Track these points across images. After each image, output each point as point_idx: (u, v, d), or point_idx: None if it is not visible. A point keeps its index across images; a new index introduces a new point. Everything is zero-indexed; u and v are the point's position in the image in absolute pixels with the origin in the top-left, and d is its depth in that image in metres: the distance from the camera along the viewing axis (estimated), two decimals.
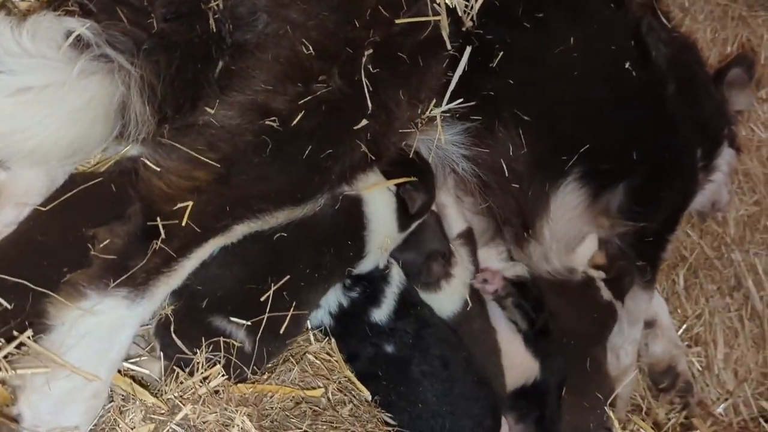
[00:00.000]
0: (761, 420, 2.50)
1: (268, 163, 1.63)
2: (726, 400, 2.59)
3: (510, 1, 2.05)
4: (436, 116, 1.91)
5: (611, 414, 2.03)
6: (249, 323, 1.65)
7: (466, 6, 1.90)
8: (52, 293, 1.49)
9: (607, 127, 2.21)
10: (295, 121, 1.64)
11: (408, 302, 1.94)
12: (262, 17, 1.76)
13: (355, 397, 1.85)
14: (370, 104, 1.70)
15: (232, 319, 1.64)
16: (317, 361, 1.87)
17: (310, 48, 1.70)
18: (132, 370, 1.61)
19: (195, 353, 1.62)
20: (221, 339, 1.63)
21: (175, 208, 1.55)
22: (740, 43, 3.35)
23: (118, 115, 1.69)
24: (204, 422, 1.53)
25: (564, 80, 2.14)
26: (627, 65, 2.21)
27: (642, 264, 2.43)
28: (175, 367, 1.62)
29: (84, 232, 1.60)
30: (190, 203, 1.56)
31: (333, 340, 1.93)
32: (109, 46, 1.67)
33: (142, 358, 1.66)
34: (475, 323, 2.06)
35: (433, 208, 2.10)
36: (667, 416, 2.43)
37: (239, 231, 1.65)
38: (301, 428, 1.65)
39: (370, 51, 1.72)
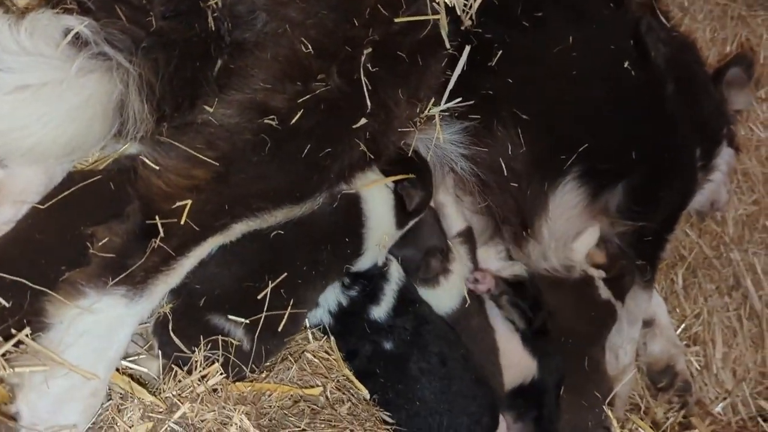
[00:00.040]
0: (759, 419, 2.50)
1: (266, 162, 1.63)
2: (724, 399, 2.60)
3: (509, 0, 2.05)
4: (434, 115, 1.91)
5: (610, 413, 2.03)
6: (247, 321, 1.65)
7: (465, 5, 1.90)
8: (50, 291, 1.49)
9: (606, 127, 2.21)
10: (294, 120, 1.64)
11: (407, 299, 1.94)
12: (261, 16, 1.76)
13: (353, 395, 1.85)
14: (369, 103, 1.70)
15: (230, 317, 1.64)
16: (316, 360, 1.87)
17: (309, 47, 1.70)
18: (130, 368, 1.62)
19: (193, 352, 1.62)
20: (219, 337, 1.63)
21: (174, 206, 1.55)
22: (739, 43, 3.35)
23: (117, 113, 1.68)
24: (202, 421, 1.53)
25: (563, 79, 2.14)
26: (626, 65, 2.21)
27: (641, 263, 2.44)
28: (173, 366, 1.62)
29: (82, 230, 1.59)
30: (189, 202, 1.55)
31: (332, 338, 1.93)
32: (108, 44, 1.66)
33: (141, 356, 1.66)
34: (473, 320, 2.06)
35: (432, 204, 2.10)
36: (665, 415, 2.44)
37: (238, 230, 1.65)
38: (300, 427, 1.65)
39: (369, 50, 1.72)
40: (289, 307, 1.70)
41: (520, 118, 2.03)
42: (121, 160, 1.80)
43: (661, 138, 2.30)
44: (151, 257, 1.53)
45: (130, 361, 1.62)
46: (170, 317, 1.63)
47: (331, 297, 1.91)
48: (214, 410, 1.55)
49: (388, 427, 1.83)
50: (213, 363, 1.62)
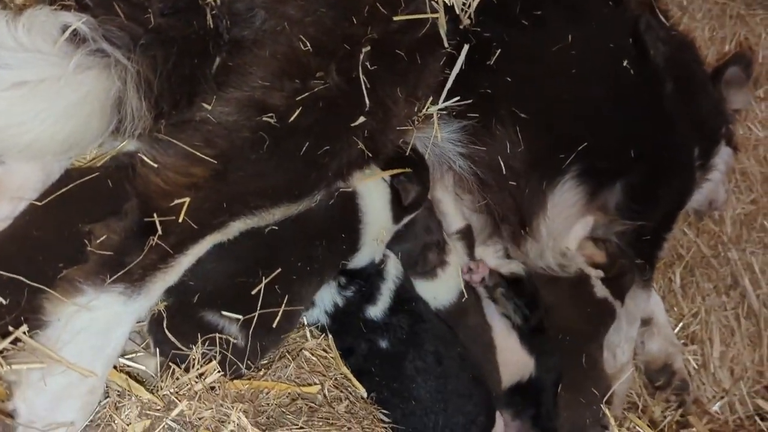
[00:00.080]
0: (757, 418, 2.50)
1: (265, 160, 1.63)
2: (722, 398, 2.60)
3: None
4: (433, 114, 1.91)
5: (607, 411, 2.03)
6: (241, 318, 1.64)
7: (464, 4, 1.90)
8: (48, 289, 1.49)
9: (604, 125, 2.21)
10: (292, 118, 1.64)
11: (403, 298, 1.94)
12: (260, 13, 1.76)
13: (351, 393, 1.85)
14: (367, 101, 1.70)
15: (224, 313, 1.64)
16: (314, 358, 1.87)
17: (308, 44, 1.70)
18: (128, 366, 1.61)
19: (190, 348, 1.61)
20: (216, 335, 1.62)
21: (172, 204, 1.55)
22: (738, 42, 3.36)
23: (115, 110, 1.68)
24: (200, 418, 1.53)
25: (562, 78, 2.14)
26: (625, 63, 2.21)
27: (640, 262, 2.44)
28: (170, 363, 1.61)
29: (80, 227, 1.59)
30: (187, 199, 1.55)
31: (330, 336, 1.93)
32: (106, 41, 1.66)
33: (138, 354, 1.66)
34: (470, 316, 2.07)
35: (429, 197, 2.10)
36: (663, 414, 2.44)
37: (236, 227, 1.65)
38: (297, 425, 1.65)
39: (368, 48, 1.72)
40: (284, 304, 1.70)
41: (518, 116, 2.03)
42: (119, 158, 1.79)
43: (659, 137, 2.31)
44: (149, 255, 1.52)
45: (127, 359, 1.61)
46: (164, 315, 1.62)
47: (327, 297, 1.91)
48: (212, 408, 1.55)
49: (386, 425, 1.83)
50: (210, 361, 1.62)
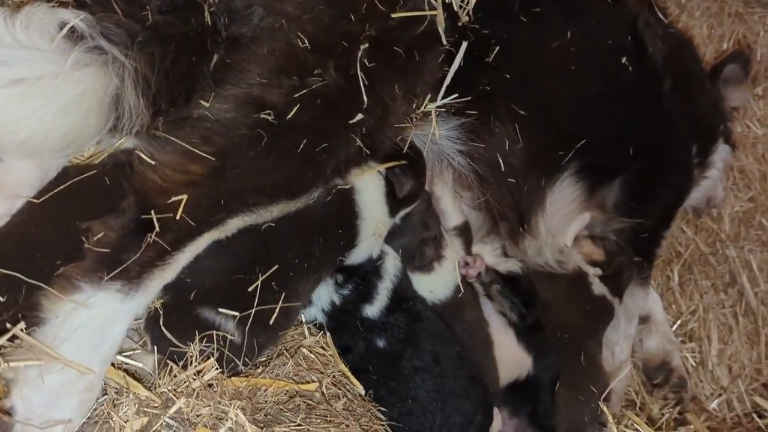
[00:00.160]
0: (755, 415, 2.51)
1: (263, 157, 1.63)
2: (720, 395, 2.60)
3: None
4: (431, 111, 1.90)
5: (605, 409, 2.04)
6: (237, 314, 1.64)
7: (462, 0, 1.90)
8: (45, 286, 1.48)
9: (603, 123, 2.21)
10: (290, 115, 1.64)
11: (401, 297, 1.93)
12: (258, 10, 1.76)
13: (349, 391, 1.85)
14: (365, 98, 1.70)
15: (221, 310, 1.64)
16: (311, 355, 1.87)
17: (306, 41, 1.70)
18: (126, 363, 1.61)
19: (187, 346, 1.61)
20: (214, 332, 1.62)
21: (170, 201, 1.55)
22: (736, 40, 3.36)
23: (112, 108, 1.67)
24: (197, 416, 1.53)
25: (560, 75, 2.14)
26: (623, 61, 2.21)
27: (638, 260, 2.44)
28: (168, 361, 1.61)
29: (78, 224, 1.59)
30: (185, 197, 1.55)
31: (327, 334, 1.92)
32: (103, 38, 1.65)
33: (136, 351, 1.66)
34: (467, 311, 2.07)
35: (427, 189, 2.10)
36: (661, 411, 2.45)
37: (234, 225, 1.65)
38: (295, 422, 1.65)
39: (366, 45, 1.72)
40: (281, 301, 1.70)
41: (517, 113, 2.03)
42: (117, 155, 1.79)
43: (657, 134, 2.31)
44: (146, 252, 1.52)
45: (125, 356, 1.62)
46: (162, 312, 1.62)
47: (324, 296, 1.91)
48: (210, 405, 1.55)
49: (384, 422, 1.83)
50: (208, 358, 1.62)
